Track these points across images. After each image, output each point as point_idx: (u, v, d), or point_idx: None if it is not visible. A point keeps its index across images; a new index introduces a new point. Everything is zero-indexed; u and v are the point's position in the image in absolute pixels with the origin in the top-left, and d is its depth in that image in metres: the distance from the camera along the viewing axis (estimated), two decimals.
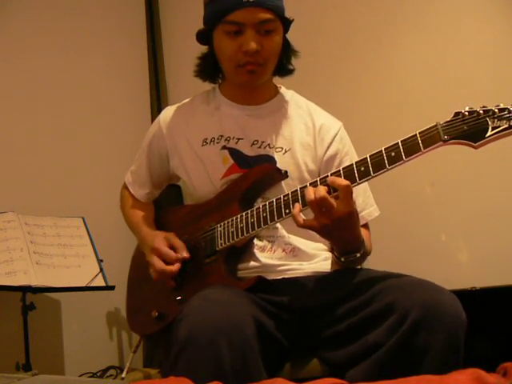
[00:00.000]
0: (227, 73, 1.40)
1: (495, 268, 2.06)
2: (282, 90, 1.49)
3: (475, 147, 1.04)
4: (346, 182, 1.11)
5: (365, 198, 1.42)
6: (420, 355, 1.03)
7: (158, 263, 1.35)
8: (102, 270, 2.04)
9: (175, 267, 1.33)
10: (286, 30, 1.37)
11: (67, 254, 2.04)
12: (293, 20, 1.37)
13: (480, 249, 2.14)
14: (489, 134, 1.02)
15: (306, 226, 1.15)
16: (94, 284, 1.98)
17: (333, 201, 1.11)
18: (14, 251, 1.92)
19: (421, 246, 2.23)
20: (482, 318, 1.83)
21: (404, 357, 1.04)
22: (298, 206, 1.18)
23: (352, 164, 1.15)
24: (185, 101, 1.53)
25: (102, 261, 2.08)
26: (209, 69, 1.43)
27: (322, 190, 1.12)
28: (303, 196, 1.18)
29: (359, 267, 1.38)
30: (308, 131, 1.42)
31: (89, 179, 2.45)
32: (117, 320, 2.48)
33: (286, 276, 1.34)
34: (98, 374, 2.21)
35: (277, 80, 1.48)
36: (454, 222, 2.19)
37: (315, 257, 1.39)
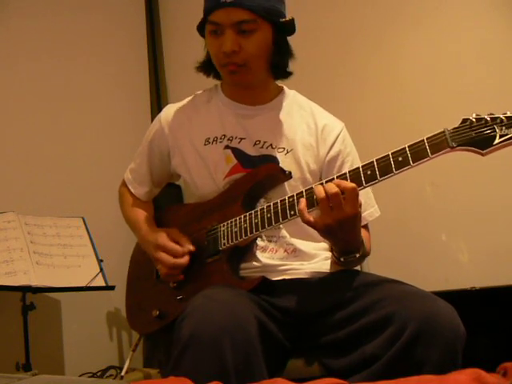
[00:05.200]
0: (220, 73, 1.40)
1: (495, 268, 2.06)
2: (285, 90, 1.48)
3: (483, 154, 1.04)
4: (353, 185, 1.12)
5: (366, 199, 1.41)
6: (417, 368, 1.03)
7: (167, 258, 1.35)
8: (101, 269, 2.04)
9: (185, 259, 1.34)
10: (281, 30, 1.34)
11: (67, 253, 2.04)
12: (286, 21, 1.33)
13: (480, 249, 2.14)
14: (496, 141, 1.02)
15: (310, 222, 1.15)
16: (94, 284, 1.98)
17: (342, 199, 1.11)
18: (14, 251, 1.92)
19: (421, 246, 2.23)
20: (482, 318, 1.84)
21: (401, 369, 1.03)
22: (303, 200, 1.17)
23: (358, 167, 1.15)
24: (186, 99, 1.53)
25: (102, 261, 2.08)
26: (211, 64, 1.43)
27: (333, 187, 1.11)
28: (309, 197, 1.18)
29: (358, 270, 1.39)
30: (310, 132, 1.42)
31: (89, 179, 2.45)
32: (117, 320, 2.48)
33: (286, 276, 1.34)
34: (98, 374, 2.21)
35: (279, 81, 1.47)
36: (455, 222, 2.19)
37: (316, 256, 1.39)
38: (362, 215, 1.37)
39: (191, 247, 1.35)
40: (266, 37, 1.32)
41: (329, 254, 1.39)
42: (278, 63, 1.38)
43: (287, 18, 1.35)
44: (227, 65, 1.33)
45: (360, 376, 1.11)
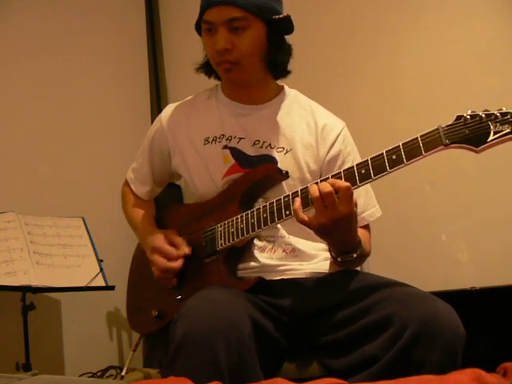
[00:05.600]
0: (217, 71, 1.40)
1: (495, 268, 2.06)
2: (285, 89, 1.48)
3: (477, 152, 1.04)
4: (347, 184, 1.11)
5: (366, 199, 1.41)
6: (417, 369, 1.03)
7: (161, 261, 1.35)
8: (101, 269, 2.04)
9: (178, 263, 1.34)
10: (276, 28, 1.34)
11: (67, 253, 2.04)
12: (279, 18, 1.33)
13: (480, 249, 2.14)
14: (491, 138, 1.02)
15: (304, 221, 1.15)
16: (94, 284, 1.98)
17: (336, 198, 1.11)
18: (14, 251, 1.92)
19: (421, 246, 2.23)
20: (482, 318, 1.83)
21: (401, 370, 1.03)
22: (298, 200, 1.17)
23: (353, 166, 1.15)
24: (187, 99, 1.53)
25: (102, 261, 2.08)
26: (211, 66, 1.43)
27: (327, 186, 1.11)
28: (304, 197, 1.18)
29: (358, 270, 1.38)
30: (310, 131, 1.41)
31: (89, 179, 2.45)
32: (117, 320, 2.48)
33: (285, 276, 1.34)
34: (98, 374, 2.21)
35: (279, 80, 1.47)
36: (455, 222, 2.19)
37: (315, 257, 1.39)
38: (362, 215, 1.37)
39: (186, 250, 1.35)
40: (259, 34, 1.32)
41: (328, 255, 1.38)
42: (274, 61, 1.37)
43: (281, 15, 1.34)
44: (221, 63, 1.33)
45: (360, 376, 1.10)
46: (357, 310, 1.17)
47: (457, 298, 1.36)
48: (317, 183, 1.16)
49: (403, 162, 1.09)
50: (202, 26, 1.36)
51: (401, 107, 2.31)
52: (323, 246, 1.40)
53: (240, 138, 1.40)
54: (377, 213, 1.43)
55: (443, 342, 1.05)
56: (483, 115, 1.03)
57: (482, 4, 2.21)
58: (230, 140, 1.40)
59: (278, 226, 1.34)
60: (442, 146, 1.05)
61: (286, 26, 1.35)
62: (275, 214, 1.23)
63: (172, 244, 1.37)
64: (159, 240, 1.38)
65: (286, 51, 1.39)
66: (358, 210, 1.19)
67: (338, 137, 1.41)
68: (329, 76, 2.43)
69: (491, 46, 2.16)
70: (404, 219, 2.25)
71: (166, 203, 1.68)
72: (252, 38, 1.31)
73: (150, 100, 2.86)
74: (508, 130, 1.01)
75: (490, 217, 2.11)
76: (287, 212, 1.21)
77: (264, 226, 1.25)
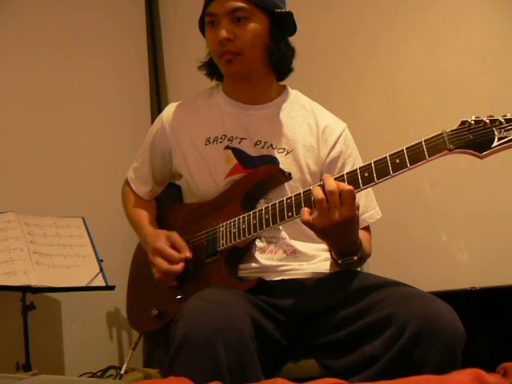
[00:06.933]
0: (218, 66, 1.41)
1: (495, 268, 2.06)
2: (287, 90, 1.48)
3: (480, 157, 1.04)
4: (350, 187, 1.11)
5: (367, 201, 1.41)
6: (417, 369, 1.03)
7: (162, 263, 1.34)
8: (101, 269, 2.04)
9: (179, 267, 1.33)
10: (278, 22, 1.35)
11: (67, 253, 2.04)
12: (281, 12, 1.35)
13: (480, 249, 2.14)
14: (495, 144, 1.02)
15: (308, 222, 1.15)
16: (94, 284, 1.98)
17: (339, 200, 1.11)
18: (14, 251, 1.92)
19: (421, 246, 2.23)
20: (482, 318, 1.84)
21: (401, 370, 1.03)
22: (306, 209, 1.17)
23: (356, 169, 1.15)
24: (188, 98, 1.53)
25: (102, 261, 2.08)
26: (214, 65, 1.43)
27: (331, 186, 1.11)
28: (306, 200, 1.18)
29: (358, 270, 1.38)
30: (311, 132, 1.41)
31: (89, 179, 2.44)
32: (117, 320, 2.48)
33: (285, 277, 1.34)
34: (98, 374, 2.21)
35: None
36: (454, 222, 2.19)
37: (315, 257, 1.39)
38: (363, 217, 1.37)
39: (188, 254, 1.35)
40: (261, 26, 1.34)
41: (328, 255, 1.38)
42: (277, 55, 1.38)
43: (283, 10, 1.36)
44: (223, 54, 1.34)
45: (360, 376, 1.11)
46: (357, 310, 1.18)
47: (457, 298, 1.36)
48: (320, 185, 1.15)
49: (407, 166, 1.09)
50: (205, 22, 1.37)
51: (402, 108, 2.30)
52: (323, 246, 1.40)
53: (241, 139, 1.40)
54: (376, 215, 1.44)
55: (443, 342, 1.05)
56: (488, 121, 1.03)
57: (483, 4, 2.21)
58: (232, 140, 1.40)
59: (280, 227, 1.35)
60: (446, 151, 1.06)
61: (287, 21, 1.36)
62: (277, 216, 1.23)
63: (174, 246, 1.36)
64: (161, 242, 1.37)
65: (289, 49, 1.40)
66: (359, 212, 1.19)
67: (339, 138, 1.41)
68: (330, 77, 2.43)
69: (491, 46, 2.16)
70: (404, 219, 2.25)
71: (166, 203, 1.68)
72: (254, 30, 1.33)
73: (149, 100, 2.86)
74: None
75: (490, 217, 2.11)
76: (289, 213, 1.21)
77: (266, 227, 1.25)
